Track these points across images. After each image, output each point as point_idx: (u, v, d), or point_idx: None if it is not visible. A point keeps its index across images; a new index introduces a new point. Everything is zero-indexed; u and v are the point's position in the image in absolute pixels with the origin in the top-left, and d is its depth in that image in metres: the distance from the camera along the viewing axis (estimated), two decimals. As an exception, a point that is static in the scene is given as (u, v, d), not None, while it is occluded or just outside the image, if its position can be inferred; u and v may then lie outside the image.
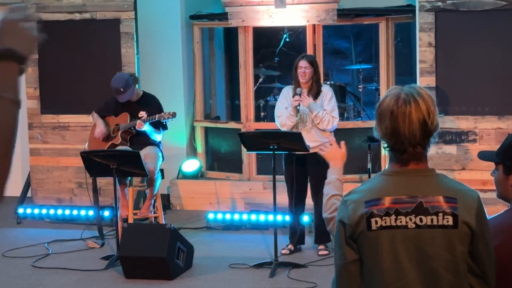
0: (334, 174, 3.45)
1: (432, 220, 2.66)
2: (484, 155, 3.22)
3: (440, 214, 2.66)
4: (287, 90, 7.59)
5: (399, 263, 2.67)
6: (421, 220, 2.67)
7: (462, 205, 2.68)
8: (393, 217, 2.67)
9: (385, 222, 2.67)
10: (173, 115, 7.65)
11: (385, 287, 2.70)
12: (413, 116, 2.67)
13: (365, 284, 2.74)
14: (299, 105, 7.31)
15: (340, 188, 3.43)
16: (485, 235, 2.71)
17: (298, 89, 7.39)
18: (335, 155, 3.51)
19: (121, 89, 7.70)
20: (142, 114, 7.73)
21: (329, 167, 3.50)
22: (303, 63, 7.37)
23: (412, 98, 2.70)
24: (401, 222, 2.67)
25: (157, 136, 7.87)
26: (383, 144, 2.78)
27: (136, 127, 7.67)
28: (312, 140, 7.17)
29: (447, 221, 2.66)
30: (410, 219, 2.67)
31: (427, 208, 2.67)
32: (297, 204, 7.51)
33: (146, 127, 7.68)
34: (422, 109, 2.68)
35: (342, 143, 3.60)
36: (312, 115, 7.35)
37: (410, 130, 2.67)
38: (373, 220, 2.68)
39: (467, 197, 2.71)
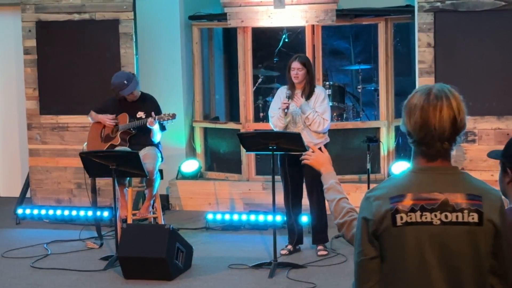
0: (330, 179, 3.42)
1: (457, 217, 2.66)
2: (490, 154, 3.26)
3: (465, 211, 2.66)
4: (282, 91, 7.60)
5: (423, 260, 2.67)
6: (446, 217, 2.67)
7: (487, 203, 2.69)
8: (418, 213, 2.67)
9: (410, 218, 2.67)
10: (173, 116, 7.65)
11: (409, 284, 2.69)
12: (444, 111, 2.68)
13: (387, 280, 2.73)
14: (287, 108, 7.33)
15: (341, 190, 3.41)
16: (508, 234, 2.72)
17: (287, 92, 7.41)
18: (322, 160, 3.49)
19: (125, 82, 7.71)
20: (140, 114, 7.74)
21: (322, 174, 3.47)
22: (295, 65, 7.38)
23: (443, 94, 2.71)
24: (426, 218, 2.67)
25: (158, 136, 7.87)
26: (409, 140, 2.77)
27: (148, 124, 7.65)
28: (306, 141, 7.16)
29: (472, 218, 2.66)
30: (435, 216, 2.67)
31: (453, 205, 2.67)
32: (293, 205, 7.50)
33: (157, 125, 7.69)
34: (453, 105, 2.69)
35: (322, 147, 3.58)
36: (303, 116, 7.36)
37: (440, 124, 2.67)
38: (398, 216, 2.67)
39: (491, 196, 2.72)
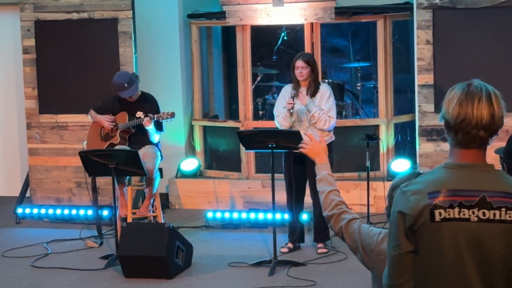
0: (323, 170, 3.44)
1: (494, 214, 2.66)
2: (497, 150, 3.27)
3: (503, 209, 2.66)
4: (286, 89, 7.59)
5: (459, 256, 2.67)
6: (483, 214, 2.66)
7: None
8: (456, 209, 2.66)
9: (449, 214, 2.66)
10: (172, 115, 7.65)
11: (445, 279, 2.69)
12: (483, 100, 2.70)
13: (421, 275, 2.73)
14: (292, 107, 7.33)
15: (333, 182, 3.43)
16: None
17: (292, 92, 7.40)
18: (318, 151, 3.50)
19: (125, 85, 7.70)
20: (140, 114, 7.73)
21: (316, 164, 3.48)
22: (299, 63, 7.39)
23: (483, 86, 2.74)
24: (464, 215, 2.66)
25: (156, 137, 7.87)
26: (446, 133, 2.78)
27: (144, 125, 7.65)
28: None
29: (510, 216, 2.66)
30: (473, 213, 2.66)
31: (490, 202, 2.66)
32: (296, 202, 7.51)
33: (152, 126, 7.69)
34: (492, 98, 2.72)
35: (321, 137, 3.59)
36: (309, 114, 7.35)
37: (478, 111, 2.69)
38: (436, 211, 2.67)
39: None
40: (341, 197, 3.41)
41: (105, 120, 7.92)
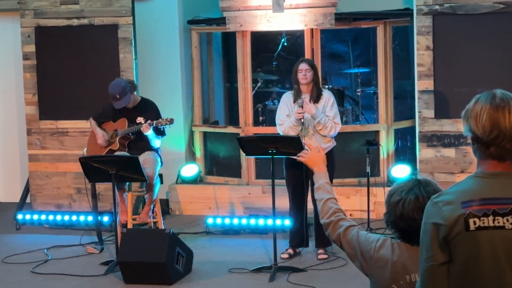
0: (321, 178, 3.45)
1: None
2: None
3: None
4: (287, 97, 7.56)
5: (498, 264, 2.65)
6: None
7: None
8: (491, 218, 2.65)
9: (483, 223, 2.65)
10: (171, 121, 7.64)
11: None
12: None
13: (458, 285, 2.70)
14: (303, 117, 7.30)
15: (331, 191, 3.44)
16: None
17: (300, 100, 7.36)
18: (317, 160, 3.53)
19: (117, 96, 7.70)
20: (140, 120, 7.73)
21: (314, 172, 3.49)
22: (303, 66, 7.39)
23: (508, 98, 2.73)
24: (498, 223, 2.65)
25: (156, 142, 7.87)
26: (475, 146, 2.76)
27: (142, 130, 7.65)
28: (315, 146, 7.14)
29: None
30: (507, 220, 2.65)
31: None
32: (299, 208, 7.50)
33: (151, 131, 7.68)
34: None
35: (319, 146, 3.63)
36: (314, 121, 7.34)
37: (511, 125, 2.68)
38: (471, 220, 2.65)
39: None
40: (339, 205, 3.41)
41: (100, 138, 7.94)
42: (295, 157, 7.02)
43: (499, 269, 2.66)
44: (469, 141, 2.81)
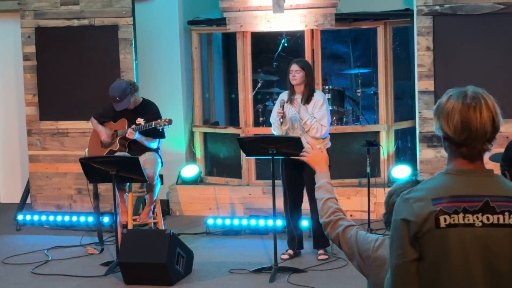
0: (323, 178, 3.45)
1: (498, 219, 2.66)
2: (492, 157, 3.27)
3: (507, 213, 2.66)
4: (282, 97, 7.64)
5: (467, 262, 2.66)
6: (488, 218, 2.66)
7: None
8: (461, 215, 2.66)
9: (454, 220, 2.66)
10: (169, 122, 7.63)
11: (453, 285, 2.68)
12: (484, 112, 2.68)
13: (428, 282, 2.71)
14: (283, 117, 7.37)
15: (332, 190, 3.44)
16: None
17: (282, 100, 7.48)
18: (319, 159, 3.52)
19: (117, 98, 7.70)
20: (140, 121, 7.73)
21: (316, 172, 3.49)
22: (293, 67, 7.46)
23: (480, 96, 2.72)
24: (468, 220, 2.66)
25: (152, 144, 7.87)
26: (446, 143, 2.75)
27: (127, 136, 7.68)
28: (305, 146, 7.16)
29: None
30: (477, 218, 2.66)
31: (494, 207, 2.66)
32: (293, 209, 7.51)
33: (137, 136, 7.68)
34: (490, 106, 2.71)
35: (322, 146, 3.62)
36: (302, 121, 7.38)
37: (482, 126, 2.68)
38: (441, 217, 2.66)
39: None
40: (339, 205, 3.41)
41: (102, 134, 7.94)
42: (295, 158, 7.10)
43: (469, 266, 2.66)
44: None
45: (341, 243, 3.32)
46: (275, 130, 7.51)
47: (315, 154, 3.55)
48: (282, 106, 7.44)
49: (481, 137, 2.69)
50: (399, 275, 2.73)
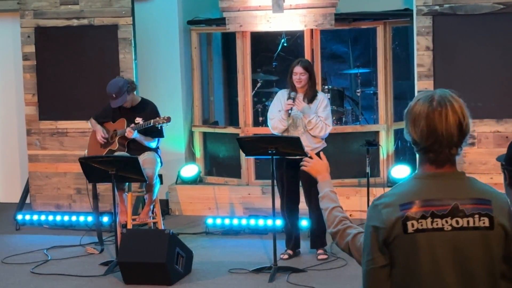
0: (326, 187, 3.42)
1: (468, 222, 2.66)
2: (499, 158, 3.28)
3: (476, 216, 2.66)
4: (282, 93, 7.59)
5: (438, 266, 2.66)
6: (457, 222, 2.66)
7: (496, 207, 2.69)
8: (429, 220, 2.66)
9: (422, 225, 2.66)
10: (168, 119, 7.64)
11: None
12: (449, 117, 2.68)
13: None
14: (291, 109, 7.33)
15: (336, 199, 3.41)
16: None
17: (293, 93, 7.40)
18: (320, 168, 3.48)
19: (113, 95, 7.70)
20: (138, 120, 7.73)
21: (318, 181, 3.47)
22: (298, 69, 7.38)
23: (446, 100, 2.71)
24: (437, 224, 2.66)
25: (151, 144, 7.86)
26: (415, 148, 2.76)
27: (126, 135, 7.68)
28: (304, 145, 7.14)
29: (484, 223, 2.66)
30: (446, 222, 2.66)
31: (463, 210, 2.67)
32: (290, 209, 7.50)
33: (136, 135, 7.68)
34: (457, 110, 2.70)
35: (321, 154, 3.59)
36: (305, 120, 7.35)
37: (448, 131, 2.68)
38: (409, 223, 2.66)
39: (500, 200, 2.73)
40: (345, 213, 3.39)
41: (99, 134, 7.95)
42: (292, 158, 7.10)
43: (439, 271, 2.67)
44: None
45: (351, 252, 3.30)
46: (278, 124, 7.41)
47: (315, 163, 3.51)
48: (293, 99, 7.38)
49: (447, 142, 2.69)
50: (369, 281, 2.75)
